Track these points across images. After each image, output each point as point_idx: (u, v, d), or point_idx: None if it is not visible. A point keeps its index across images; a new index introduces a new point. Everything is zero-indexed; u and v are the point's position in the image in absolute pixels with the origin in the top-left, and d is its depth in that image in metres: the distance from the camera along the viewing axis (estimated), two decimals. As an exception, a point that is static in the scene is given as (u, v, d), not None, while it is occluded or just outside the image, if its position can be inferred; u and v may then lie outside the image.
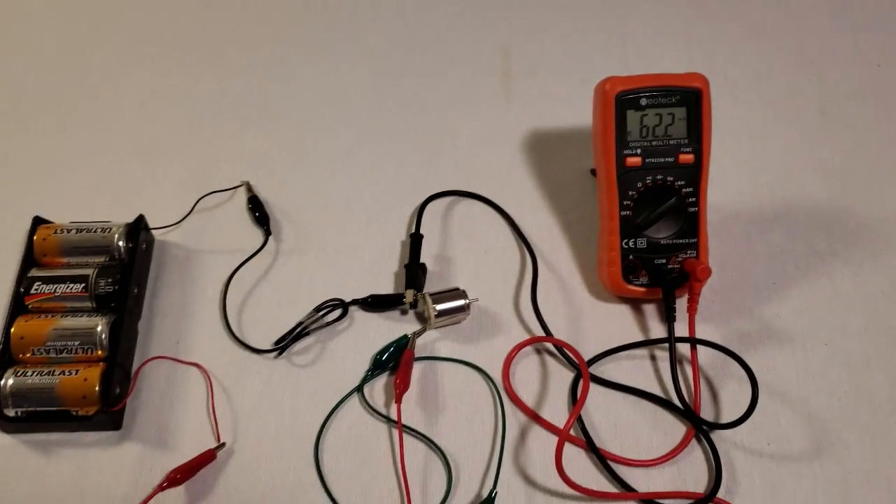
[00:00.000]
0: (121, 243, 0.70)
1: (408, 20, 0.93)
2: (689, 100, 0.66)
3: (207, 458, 0.62)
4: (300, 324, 0.69)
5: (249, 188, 0.78)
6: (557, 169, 0.81)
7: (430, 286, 0.72)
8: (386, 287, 0.73)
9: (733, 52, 0.90)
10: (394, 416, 0.64)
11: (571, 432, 0.64)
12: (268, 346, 0.69)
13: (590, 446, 0.63)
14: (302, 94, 0.87)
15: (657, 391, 0.66)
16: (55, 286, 0.67)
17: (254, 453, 0.64)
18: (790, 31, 0.92)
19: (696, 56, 0.90)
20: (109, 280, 0.67)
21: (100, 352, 0.64)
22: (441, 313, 0.68)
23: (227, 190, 0.78)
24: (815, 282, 0.72)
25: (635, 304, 0.72)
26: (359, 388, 0.66)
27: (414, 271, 0.71)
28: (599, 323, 0.70)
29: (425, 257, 0.74)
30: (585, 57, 0.90)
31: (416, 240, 0.74)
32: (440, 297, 0.69)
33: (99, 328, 0.65)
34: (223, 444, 0.64)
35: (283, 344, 0.68)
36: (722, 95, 0.85)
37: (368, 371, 0.67)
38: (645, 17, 0.93)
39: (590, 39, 0.91)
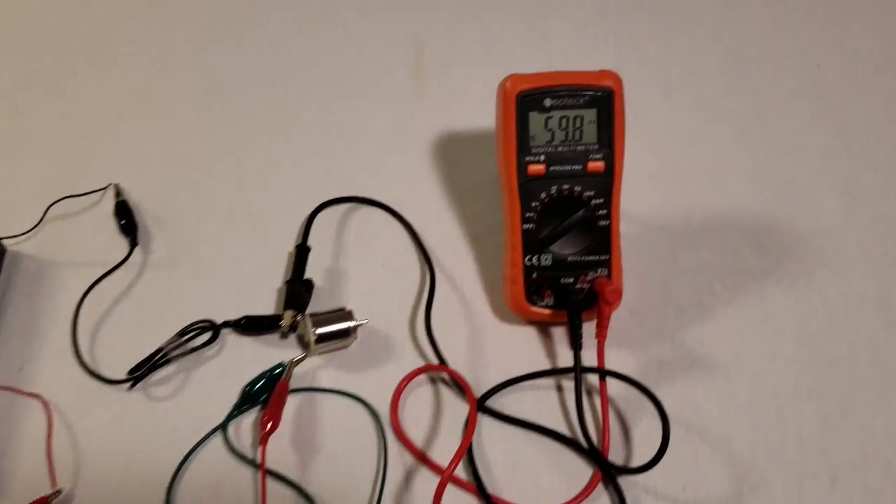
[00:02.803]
0: (-44, 256, 0.61)
1: (313, 4, 0.85)
2: (599, 101, 0.58)
3: (39, 508, 0.54)
4: (160, 350, 0.61)
5: (118, 192, 0.70)
6: (467, 174, 0.73)
7: (318, 304, 0.64)
8: (267, 306, 0.65)
9: (666, 47, 0.83)
10: (259, 459, 0.56)
11: (463, 475, 0.56)
12: (122, 376, 0.60)
13: (480, 492, 0.55)
14: (191, 86, 0.79)
15: (562, 428, 0.59)
16: None
17: (95, 502, 0.55)
18: (727, 27, 0.85)
19: (627, 52, 0.82)
20: (-63, 299, 0.59)
21: (-83, 383, 0.56)
22: (322, 338, 0.60)
23: (84, 195, 0.70)
24: (743, 302, 0.65)
25: (543, 326, 0.64)
26: (222, 427, 0.58)
27: (295, 289, 0.63)
28: (503, 348, 0.63)
29: (314, 272, 0.66)
30: (505, 52, 0.83)
31: (301, 252, 0.66)
32: (322, 319, 0.61)
33: (-83, 356, 0.56)
34: (59, 492, 0.55)
35: (139, 374, 0.59)
36: (653, 93, 0.79)
37: (235, 406, 0.59)
38: (572, 10, 0.86)
39: (511, 33, 0.84)
